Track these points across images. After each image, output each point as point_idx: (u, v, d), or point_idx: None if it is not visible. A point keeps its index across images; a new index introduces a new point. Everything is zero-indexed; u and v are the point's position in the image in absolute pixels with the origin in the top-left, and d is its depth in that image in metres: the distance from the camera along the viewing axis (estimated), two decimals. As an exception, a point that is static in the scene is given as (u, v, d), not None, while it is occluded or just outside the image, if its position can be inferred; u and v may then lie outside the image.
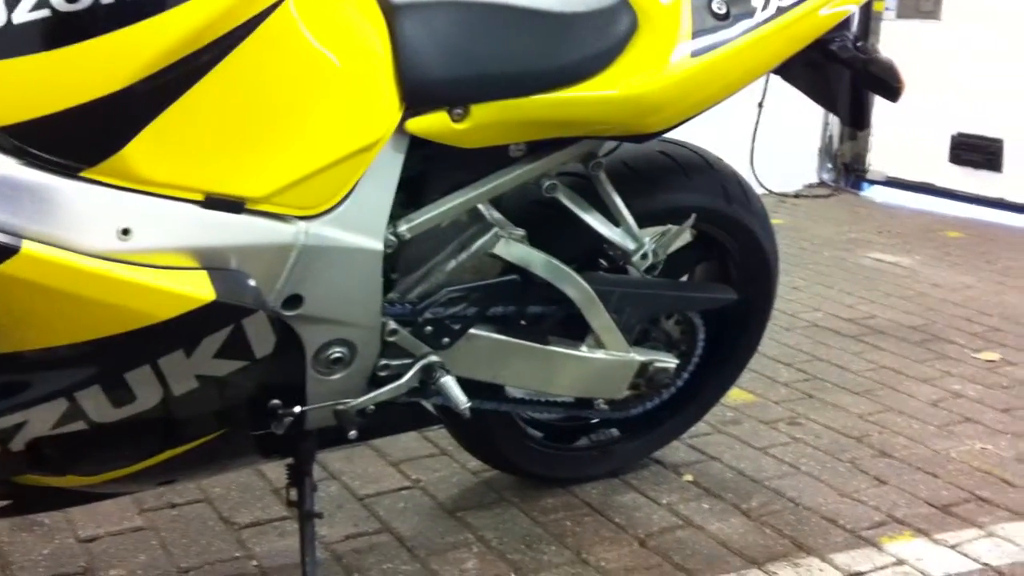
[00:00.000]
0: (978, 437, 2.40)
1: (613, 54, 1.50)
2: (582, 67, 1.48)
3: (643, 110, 1.52)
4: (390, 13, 1.43)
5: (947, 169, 4.94)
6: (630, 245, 1.69)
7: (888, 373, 2.80)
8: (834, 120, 5.35)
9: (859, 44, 1.78)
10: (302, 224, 1.36)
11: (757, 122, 5.01)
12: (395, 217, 1.49)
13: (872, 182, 5.30)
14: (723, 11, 1.55)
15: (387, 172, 1.44)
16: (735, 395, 2.52)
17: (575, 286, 1.68)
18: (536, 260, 1.65)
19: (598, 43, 1.50)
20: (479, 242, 1.61)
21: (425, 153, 1.49)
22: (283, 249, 1.35)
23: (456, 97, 1.45)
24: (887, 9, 5.09)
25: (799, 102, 5.46)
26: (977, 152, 4.81)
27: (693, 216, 1.75)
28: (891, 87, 1.76)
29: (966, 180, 4.88)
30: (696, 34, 1.53)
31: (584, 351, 1.76)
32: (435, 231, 1.57)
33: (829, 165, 5.38)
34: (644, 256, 1.70)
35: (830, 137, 5.37)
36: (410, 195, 1.53)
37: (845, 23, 1.76)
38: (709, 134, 4.60)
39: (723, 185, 1.85)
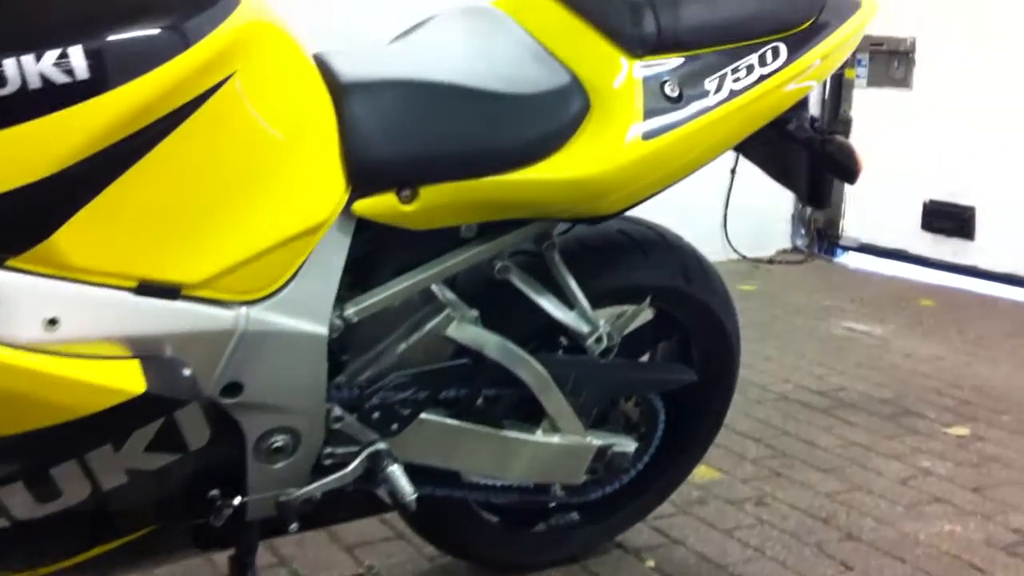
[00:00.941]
0: (947, 518, 2.36)
1: (565, 136, 1.47)
2: (534, 149, 1.45)
3: (595, 193, 1.49)
4: (337, 92, 1.39)
5: (920, 236, 4.95)
6: (584, 328, 1.66)
7: (857, 449, 2.76)
8: (807, 186, 5.35)
9: (816, 124, 1.76)
10: (242, 309, 1.32)
11: (730, 188, 5.03)
12: (342, 299, 1.45)
13: (846, 248, 5.29)
14: (676, 93, 1.52)
15: (333, 254, 1.40)
16: (702, 473, 2.47)
17: (529, 370, 1.64)
18: (489, 343, 1.60)
19: (550, 124, 1.46)
20: (431, 324, 1.56)
21: (373, 234, 1.45)
22: (222, 335, 1.31)
23: (405, 178, 1.41)
24: (858, 77, 5.12)
25: (772, 168, 5.40)
26: (949, 220, 4.81)
27: (649, 298, 1.71)
28: (848, 169, 1.73)
29: (939, 247, 4.88)
30: (648, 116, 1.49)
31: (539, 436, 1.71)
32: (386, 311, 1.53)
33: (802, 231, 5.38)
34: (599, 340, 1.66)
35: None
36: (358, 276, 1.49)
37: (802, 102, 1.73)
38: (682, 201, 4.61)
39: (683, 264, 1.82)
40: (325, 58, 1.46)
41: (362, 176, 1.38)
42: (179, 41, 1.18)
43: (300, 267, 1.36)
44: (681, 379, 1.87)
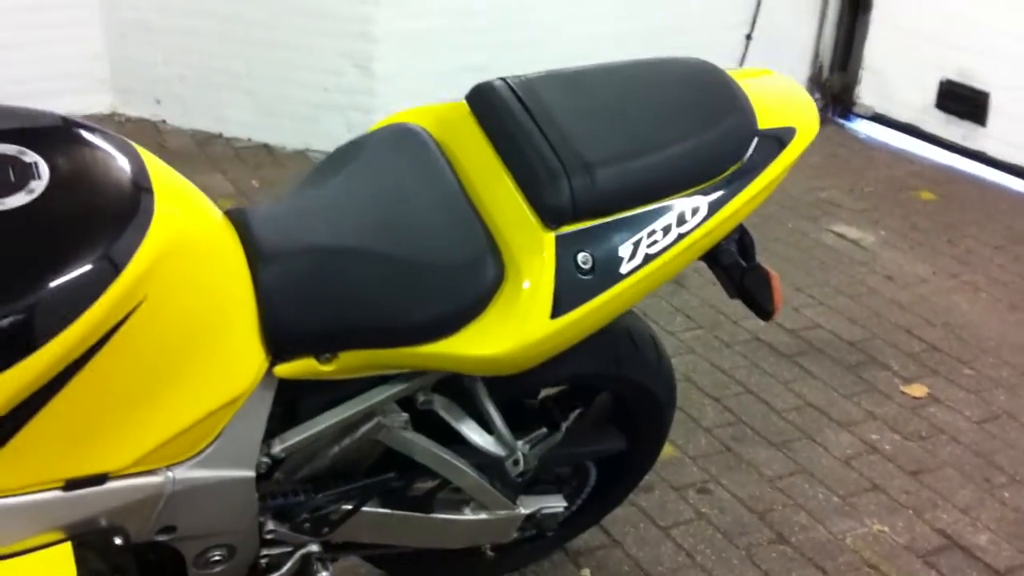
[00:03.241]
0: (878, 514, 2.50)
1: (478, 309, 1.50)
2: (446, 324, 1.49)
3: (504, 367, 1.53)
4: (255, 260, 1.44)
5: (933, 114, 4.86)
6: (501, 452, 1.73)
7: (812, 413, 2.88)
8: (825, 48, 5.23)
9: (747, 240, 1.76)
10: (169, 473, 1.41)
11: (744, 54, 4.93)
12: (269, 436, 1.55)
13: (859, 116, 5.21)
14: (588, 265, 1.53)
15: (256, 411, 1.49)
16: (656, 447, 2.61)
17: (456, 472, 1.74)
18: (418, 448, 1.70)
19: (463, 299, 1.49)
20: (362, 430, 1.65)
21: (298, 381, 1.52)
22: (151, 499, 1.42)
23: (323, 347, 1.48)
24: (887, -59, 4.89)
25: (789, 31, 5.34)
26: (963, 102, 4.72)
27: (564, 428, 1.79)
28: (762, 308, 1.75)
29: (950, 129, 4.80)
30: (559, 292, 1.51)
31: (468, 514, 1.84)
32: None
33: (817, 94, 5.28)
34: (516, 463, 1.74)
35: (820, 66, 5.25)
36: (285, 415, 1.58)
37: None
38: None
39: (613, 348, 1.84)
40: (244, 218, 1.49)
41: (281, 345, 1.45)
42: (99, 281, 1.22)
43: (225, 426, 1.46)
44: (610, 448, 1.97)
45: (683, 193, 1.61)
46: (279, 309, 1.44)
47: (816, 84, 5.27)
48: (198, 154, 4.25)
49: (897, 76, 4.98)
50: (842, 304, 3.49)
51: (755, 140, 1.66)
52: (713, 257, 1.77)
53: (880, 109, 5.12)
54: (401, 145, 1.65)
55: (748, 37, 4.94)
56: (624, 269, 1.55)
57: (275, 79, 4.28)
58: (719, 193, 1.63)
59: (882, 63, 5.06)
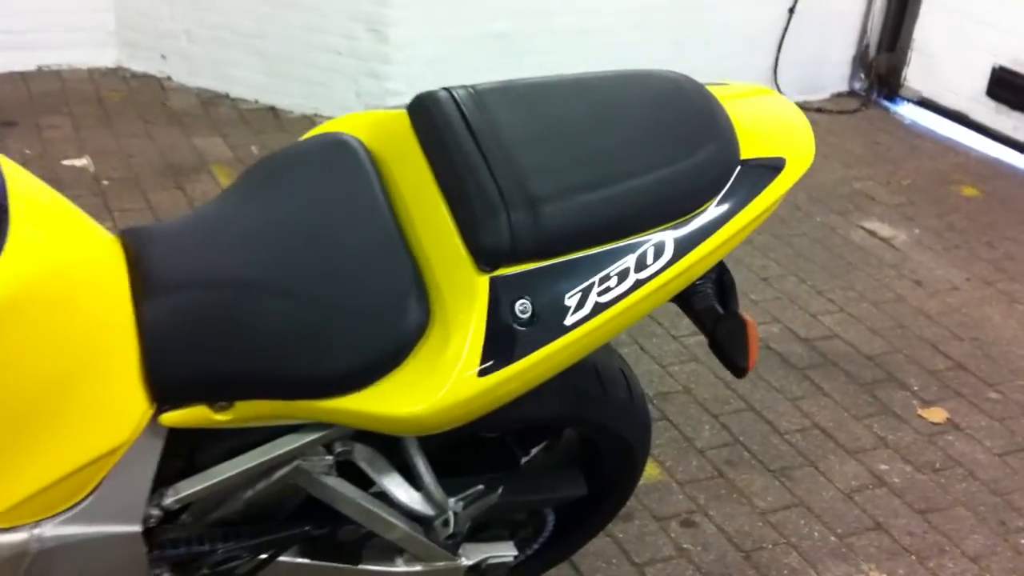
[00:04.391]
0: (877, 559, 2.30)
1: (396, 360, 1.31)
2: (357, 377, 1.30)
3: (421, 428, 1.34)
4: (142, 293, 1.28)
5: (984, 103, 4.57)
6: (429, 512, 1.54)
7: (817, 437, 2.67)
8: (873, 27, 4.93)
9: (728, 283, 1.55)
10: (35, 530, 1.26)
11: (786, 29, 4.66)
12: (163, 485, 1.38)
13: (905, 99, 4.92)
14: (527, 314, 1.32)
15: (140, 462, 1.32)
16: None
17: (383, 524, 1.56)
18: (340, 496, 1.52)
19: (379, 349, 1.30)
20: (278, 474, 1.48)
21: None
22: (12, 558, 1.27)
23: (216, 395, 1.30)
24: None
25: (836, 5, 5.08)
26: (1015, 91, 4.42)
27: (501, 488, 1.60)
28: (733, 364, 1.54)
29: (1000, 119, 4.51)
30: (489, 345, 1.30)
31: (401, 566, 1.66)
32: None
33: (862, 75, 4.99)
34: (445, 523, 1.55)
35: (867, 45, 4.95)
36: (186, 461, 1.41)
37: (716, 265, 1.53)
38: (731, 33, 4.34)
39: (575, 389, 1.65)
40: (140, 241, 1.32)
41: (168, 392, 1.28)
42: None
43: (103, 478, 1.29)
44: (569, 495, 1.77)
45: (645, 232, 1.39)
46: (164, 351, 1.27)
47: (862, 64, 4.98)
48: (201, 115, 4.07)
49: (947, 60, 4.68)
50: (864, 312, 3.25)
51: (736, 171, 1.45)
52: (685, 299, 1.55)
53: (927, 94, 4.82)
54: (331, 161, 1.45)
55: (791, 11, 4.66)
56: (569, 321, 1.34)
57: (286, 40, 4.08)
58: (689, 232, 1.41)
59: (933, 45, 4.76)
